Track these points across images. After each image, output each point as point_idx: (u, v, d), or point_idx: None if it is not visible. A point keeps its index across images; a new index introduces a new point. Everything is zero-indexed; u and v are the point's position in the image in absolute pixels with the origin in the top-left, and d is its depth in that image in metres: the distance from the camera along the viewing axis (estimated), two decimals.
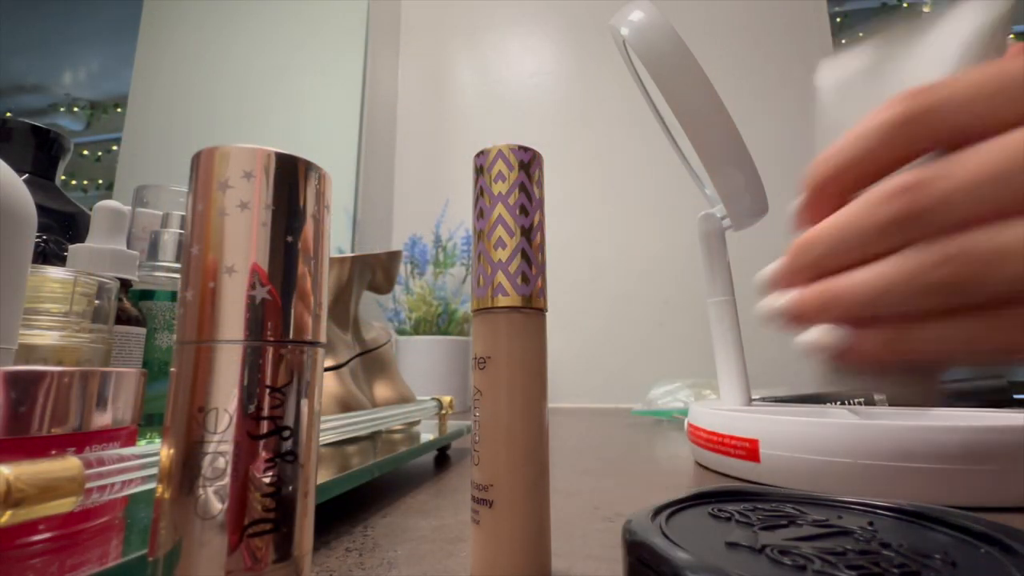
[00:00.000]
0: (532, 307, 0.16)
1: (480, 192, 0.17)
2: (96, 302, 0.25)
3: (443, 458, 0.39)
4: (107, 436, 0.16)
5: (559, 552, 0.19)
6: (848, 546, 0.11)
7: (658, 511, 0.14)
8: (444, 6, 1.25)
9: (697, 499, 0.15)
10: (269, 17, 1.14)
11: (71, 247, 0.28)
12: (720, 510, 0.14)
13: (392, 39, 1.23)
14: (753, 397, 0.41)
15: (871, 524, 0.13)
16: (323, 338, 0.12)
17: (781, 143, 1.03)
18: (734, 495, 0.16)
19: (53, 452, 0.14)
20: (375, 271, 0.42)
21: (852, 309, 0.14)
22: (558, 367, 1.00)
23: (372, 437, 0.35)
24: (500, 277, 0.16)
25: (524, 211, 0.16)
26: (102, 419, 0.16)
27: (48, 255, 0.34)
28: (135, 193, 0.41)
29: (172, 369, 0.11)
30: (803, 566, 0.10)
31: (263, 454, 0.10)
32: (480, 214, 0.17)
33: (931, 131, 0.13)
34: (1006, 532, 0.11)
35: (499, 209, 0.16)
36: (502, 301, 0.16)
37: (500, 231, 0.16)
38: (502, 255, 0.16)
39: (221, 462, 0.10)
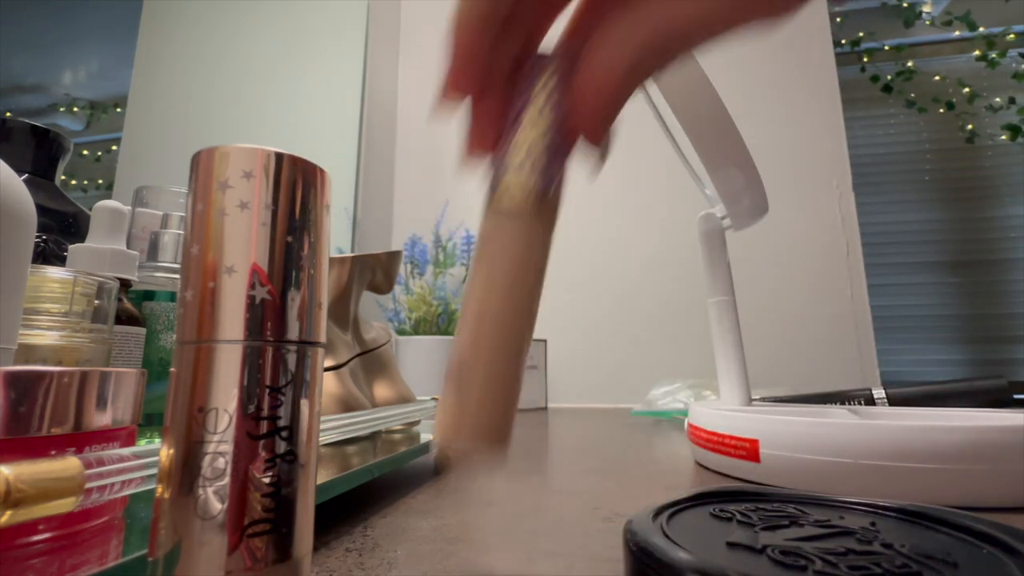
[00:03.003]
0: None
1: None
2: (96, 302, 0.25)
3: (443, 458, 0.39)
4: (107, 436, 0.16)
5: (559, 552, 0.19)
6: (850, 546, 0.11)
7: (659, 511, 0.14)
8: (444, 6, 1.24)
9: (698, 499, 0.15)
10: (269, 17, 1.14)
11: (71, 247, 0.28)
12: (722, 510, 0.14)
13: (392, 39, 1.23)
14: (753, 397, 0.41)
15: (873, 524, 0.13)
16: (323, 338, 0.12)
17: (781, 143, 1.03)
18: (736, 495, 0.16)
19: (53, 452, 0.14)
20: (375, 271, 0.42)
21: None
22: (558, 367, 1.00)
23: (372, 437, 0.35)
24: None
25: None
26: (102, 419, 0.16)
27: (48, 255, 0.34)
28: (135, 193, 0.41)
29: (172, 369, 0.11)
30: (804, 566, 0.10)
31: (263, 454, 0.10)
32: None
33: None
34: (1008, 532, 0.11)
35: None
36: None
37: None
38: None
39: (221, 462, 0.10)
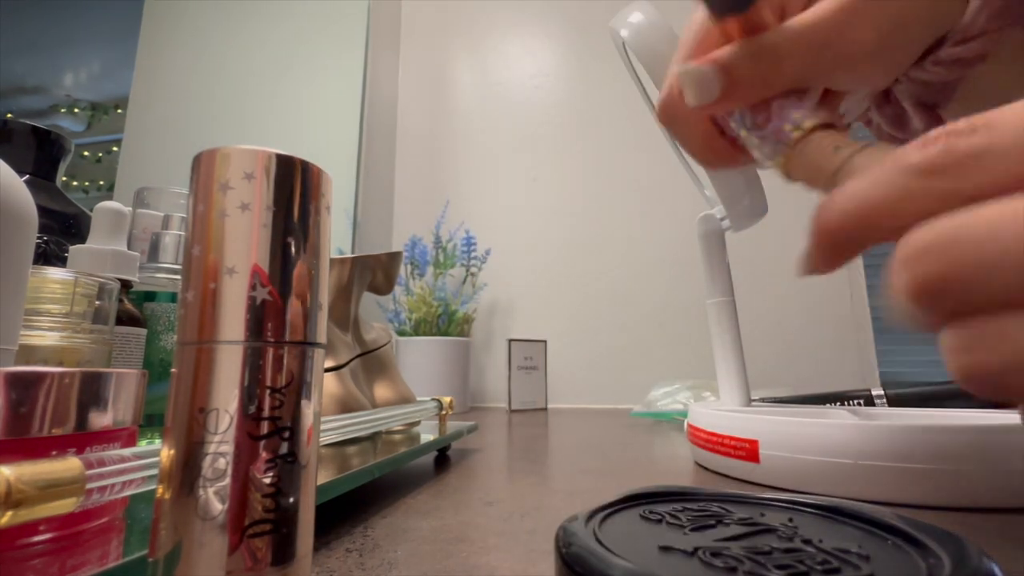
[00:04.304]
0: None
1: None
2: (97, 303, 0.25)
3: (443, 459, 0.39)
4: (107, 437, 0.16)
5: None
6: (773, 544, 0.12)
7: (591, 516, 0.14)
8: (445, 7, 1.25)
9: (628, 502, 0.16)
10: (270, 18, 1.14)
11: (72, 248, 0.29)
12: (651, 512, 0.15)
13: (393, 40, 1.23)
14: (752, 398, 0.41)
15: (791, 520, 0.14)
16: (323, 339, 0.12)
17: None
18: (663, 496, 0.16)
19: (54, 453, 0.14)
20: (375, 272, 0.42)
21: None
22: (558, 367, 1.00)
23: (372, 438, 0.35)
24: None
25: None
26: (102, 420, 0.16)
27: (49, 256, 0.34)
28: (136, 195, 0.41)
29: (173, 370, 0.11)
30: (734, 568, 0.10)
31: (263, 455, 0.10)
32: None
33: (969, 182, 0.11)
34: (911, 524, 0.12)
35: None
36: None
37: None
38: None
39: (221, 463, 0.10)
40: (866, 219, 0.12)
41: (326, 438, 0.25)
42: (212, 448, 0.10)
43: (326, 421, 0.25)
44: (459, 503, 0.26)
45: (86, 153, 1.62)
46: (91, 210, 0.30)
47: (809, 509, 0.15)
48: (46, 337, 0.23)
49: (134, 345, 0.29)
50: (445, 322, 0.92)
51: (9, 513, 0.10)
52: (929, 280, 0.10)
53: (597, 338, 1.03)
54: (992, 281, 0.10)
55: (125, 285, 0.30)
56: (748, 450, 0.30)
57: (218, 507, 0.10)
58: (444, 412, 0.40)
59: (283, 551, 0.11)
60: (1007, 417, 0.31)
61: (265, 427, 0.11)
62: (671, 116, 0.20)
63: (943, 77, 0.20)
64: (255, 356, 0.11)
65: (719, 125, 0.20)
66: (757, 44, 0.17)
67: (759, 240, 0.98)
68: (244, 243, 0.11)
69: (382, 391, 0.41)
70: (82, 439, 0.15)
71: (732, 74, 0.17)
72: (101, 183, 1.60)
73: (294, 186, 0.12)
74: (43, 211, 0.28)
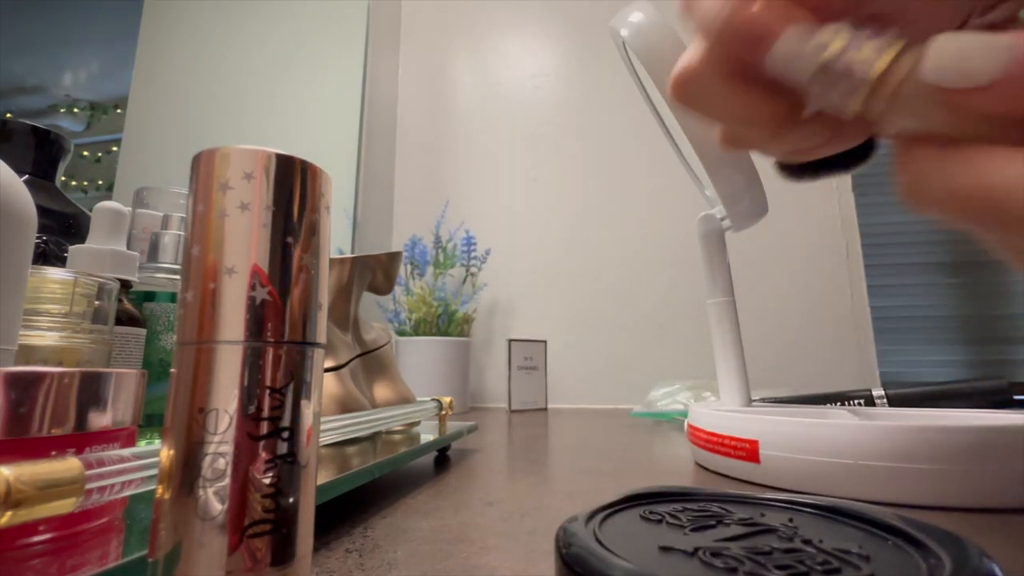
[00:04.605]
0: None
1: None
2: (96, 303, 0.25)
3: (443, 459, 0.39)
4: (107, 437, 0.16)
5: None
6: (773, 544, 0.12)
7: (591, 516, 0.14)
8: (445, 7, 1.25)
9: (628, 502, 0.16)
10: (269, 18, 1.14)
11: (71, 248, 0.29)
12: (651, 512, 0.15)
13: (392, 40, 1.23)
14: (753, 398, 0.41)
15: (791, 521, 0.14)
16: (323, 339, 0.12)
17: None
18: (663, 496, 0.16)
19: (53, 453, 0.14)
20: (375, 272, 0.42)
21: None
22: (558, 367, 1.00)
23: (372, 438, 0.35)
24: None
25: None
26: (102, 420, 0.16)
27: (48, 256, 0.34)
28: (135, 195, 0.41)
29: (172, 370, 0.11)
30: (734, 568, 0.10)
31: (263, 455, 0.10)
32: None
33: None
34: (912, 524, 0.12)
35: None
36: None
37: None
38: None
39: (221, 463, 0.10)
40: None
41: (326, 438, 0.25)
42: (212, 448, 0.10)
43: (326, 421, 0.25)
44: (459, 503, 0.26)
45: (85, 153, 1.62)
46: (91, 210, 0.30)
47: (809, 509, 0.15)
48: (45, 337, 0.23)
49: (134, 345, 0.29)
50: (445, 322, 0.92)
51: (9, 513, 0.10)
52: None
53: (597, 338, 1.03)
54: None
55: (125, 285, 0.30)
56: (748, 450, 0.30)
57: (218, 507, 0.10)
58: (444, 412, 0.40)
59: (283, 551, 0.11)
60: (1007, 417, 0.31)
61: (265, 427, 0.11)
62: (695, 86, 0.17)
63: None
64: (255, 356, 0.11)
65: (759, 78, 0.16)
66: None
67: (759, 240, 0.98)
68: (244, 243, 0.11)
69: (382, 391, 0.41)
70: (81, 439, 0.15)
71: None
72: (100, 183, 1.60)
73: (294, 186, 0.12)
74: (42, 211, 0.28)
